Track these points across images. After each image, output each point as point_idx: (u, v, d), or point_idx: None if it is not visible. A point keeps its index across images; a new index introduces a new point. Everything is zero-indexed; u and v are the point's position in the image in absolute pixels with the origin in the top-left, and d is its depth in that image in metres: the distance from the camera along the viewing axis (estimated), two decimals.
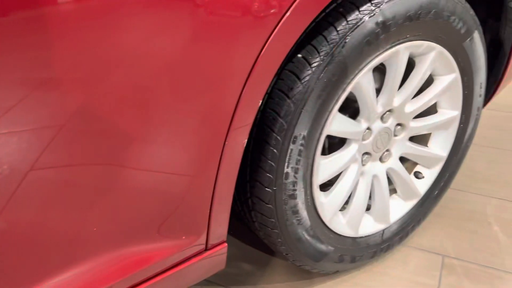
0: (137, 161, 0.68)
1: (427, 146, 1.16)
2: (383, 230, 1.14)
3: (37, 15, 0.52)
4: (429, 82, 1.04)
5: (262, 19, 0.68)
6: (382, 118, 0.99)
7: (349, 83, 0.85)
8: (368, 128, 0.97)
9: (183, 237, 0.82)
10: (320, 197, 0.97)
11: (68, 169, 0.63)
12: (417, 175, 1.18)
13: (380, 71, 0.96)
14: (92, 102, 0.60)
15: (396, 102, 0.98)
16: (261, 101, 0.75)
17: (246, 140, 0.77)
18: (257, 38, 0.68)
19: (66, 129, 0.60)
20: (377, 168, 1.07)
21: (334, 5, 0.80)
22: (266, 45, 0.69)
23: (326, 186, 1.01)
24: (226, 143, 0.74)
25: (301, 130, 0.83)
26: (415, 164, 1.19)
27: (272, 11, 0.68)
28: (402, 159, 1.13)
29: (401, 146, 1.08)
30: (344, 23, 0.79)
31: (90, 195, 0.67)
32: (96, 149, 0.64)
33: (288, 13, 0.70)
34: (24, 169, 0.59)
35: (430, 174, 1.18)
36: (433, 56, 0.96)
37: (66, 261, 0.72)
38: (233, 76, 0.69)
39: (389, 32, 0.83)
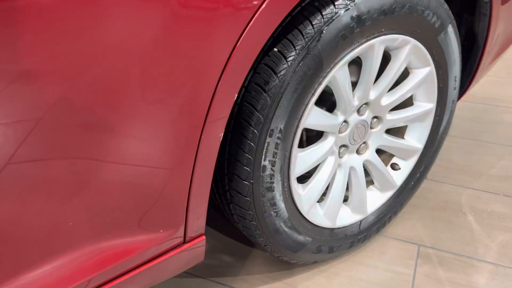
0: (113, 155, 0.68)
1: (403, 138, 1.18)
2: (361, 221, 1.16)
3: (11, 7, 0.51)
4: (404, 75, 1.06)
5: (237, 11, 0.68)
6: (358, 111, 1.00)
7: (325, 76, 0.86)
8: (345, 121, 0.99)
9: (161, 230, 0.82)
10: (298, 189, 0.98)
11: (45, 163, 0.63)
12: (394, 166, 1.20)
13: (357, 64, 0.97)
14: (69, 97, 0.60)
15: (372, 95, 0.99)
16: (237, 95, 0.75)
17: (223, 133, 0.77)
18: (232, 31, 0.69)
19: (43, 124, 0.59)
20: (354, 160, 1.08)
21: None
22: (241, 38, 0.70)
23: (303, 178, 1.03)
24: (202, 136, 0.74)
25: (277, 124, 0.84)
26: (392, 156, 1.21)
27: (247, 3, 0.68)
28: (379, 151, 1.15)
29: (377, 138, 1.10)
30: (319, 17, 0.80)
31: (67, 189, 0.67)
32: (73, 143, 0.64)
33: (263, 6, 0.70)
34: (1, 162, 0.59)
35: (406, 166, 1.21)
36: (408, 50, 0.98)
37: (44, 254, 0.72)
38: (208, 68, 0.69)
39: (364, 26, 0.85)
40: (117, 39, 0.59)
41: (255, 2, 0.69)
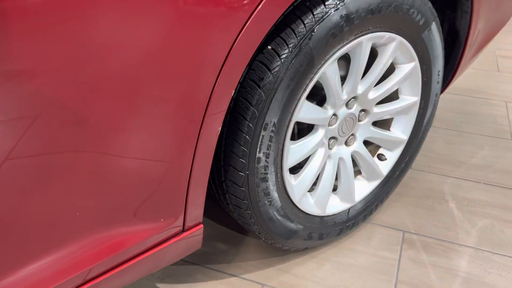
0: (117, 148, 0.72)
1: (389, 130, 1.23)
2: (349, 209, 1.21)
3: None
4: (390, 70, 1.11)
5: (236, 11, 0.72)
6: (347, 104, 1.05)
7: (316, 72, 0.90)
8: (334, 114, 1.04)
9: (162, 220, 0.86)
10: (290, 180, 1.03)
11: (47, 157, 0.66)
12: (380, 157, 1.26)
13: (345, 59, 1.02)
14: (75, 93, 0.63)
15: (360, 89, 1.04)
16: (234, 90, 0.79)
17: (221, 127, 0.81)
18: (230, 30, 0.72)
19: (44, 118, 0.62)
20: (343, 152, 1.14)
21: None
22: (239, 37, 0.74)
23: (295, 169, 1.08)
24: (202, 130, 0.78)
25: (271, 118, 0.88)
26: (378, 147, 1.27)
27: (245, 4, 0.72)
28: (366, 143, 1.20)
29: (365, 130, 1.16)
30: (310, 16, 0.84)
31: (70, 181, 0.71)
32: (81, 137, 0.67)
33: (260, 6, 0.74)
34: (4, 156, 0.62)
35: (392, 156, 1.26)
36: (394, 46, 1.03)
37: (46, 246, 0.75)
38: (208, 66, 0.73)
39: (352, 24, 0.89)
40: (121, 38, 0.63)
41: (252, 4, 0.73)
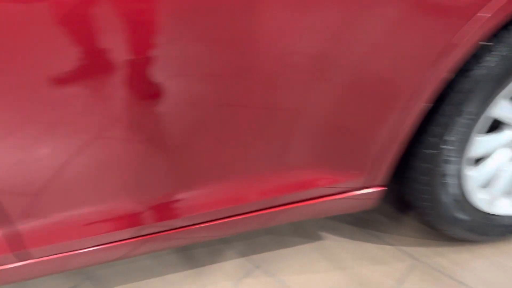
0: (334, 107, 0.91)
1: None
2: None
3: None
4: None
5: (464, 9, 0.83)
6: None
7: None
8: None
9: (351, 172, 1.03)
10: (468, 170, 1.11)
11: (267, 111, 0.88)
12: None
13: None
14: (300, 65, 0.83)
15: None
16: (444, 75, 0.91)
17: (423, 104, 0.94)
18: (456, 24, 0.84)
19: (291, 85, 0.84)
20: None
21: None
22: (463, 29, 0.84)
23: (475, 162, 1.14)
24: (410, 103, 0.92)
25: (469, 107, 0.97)
26: None
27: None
28: None
29: None
30: None
31: (297, 132, 0.92)
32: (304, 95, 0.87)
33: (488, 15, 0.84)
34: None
35: None
36: None
37: (256, 170, 0.99)
38: (432, 52, 0.86)
39: None
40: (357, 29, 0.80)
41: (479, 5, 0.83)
